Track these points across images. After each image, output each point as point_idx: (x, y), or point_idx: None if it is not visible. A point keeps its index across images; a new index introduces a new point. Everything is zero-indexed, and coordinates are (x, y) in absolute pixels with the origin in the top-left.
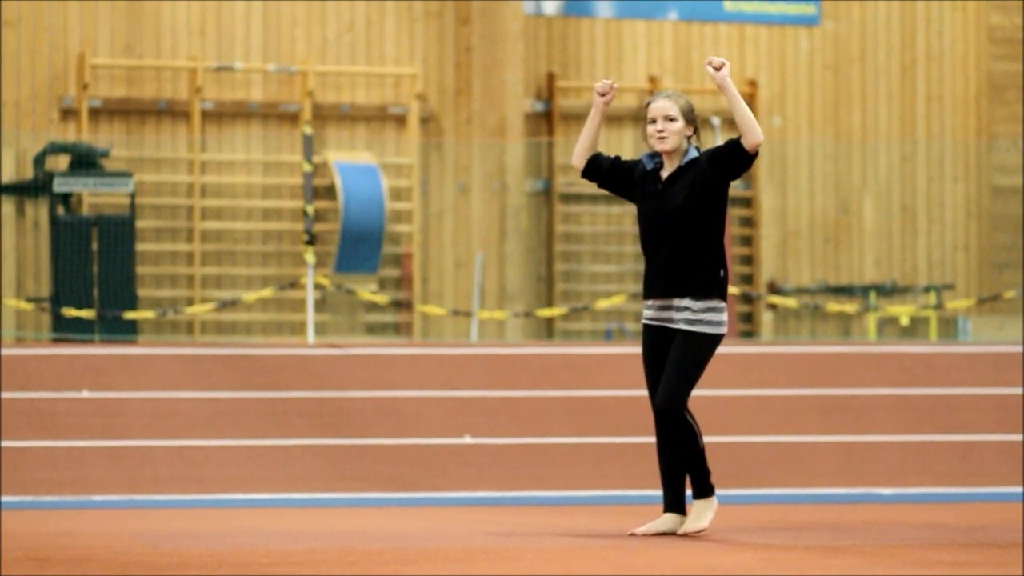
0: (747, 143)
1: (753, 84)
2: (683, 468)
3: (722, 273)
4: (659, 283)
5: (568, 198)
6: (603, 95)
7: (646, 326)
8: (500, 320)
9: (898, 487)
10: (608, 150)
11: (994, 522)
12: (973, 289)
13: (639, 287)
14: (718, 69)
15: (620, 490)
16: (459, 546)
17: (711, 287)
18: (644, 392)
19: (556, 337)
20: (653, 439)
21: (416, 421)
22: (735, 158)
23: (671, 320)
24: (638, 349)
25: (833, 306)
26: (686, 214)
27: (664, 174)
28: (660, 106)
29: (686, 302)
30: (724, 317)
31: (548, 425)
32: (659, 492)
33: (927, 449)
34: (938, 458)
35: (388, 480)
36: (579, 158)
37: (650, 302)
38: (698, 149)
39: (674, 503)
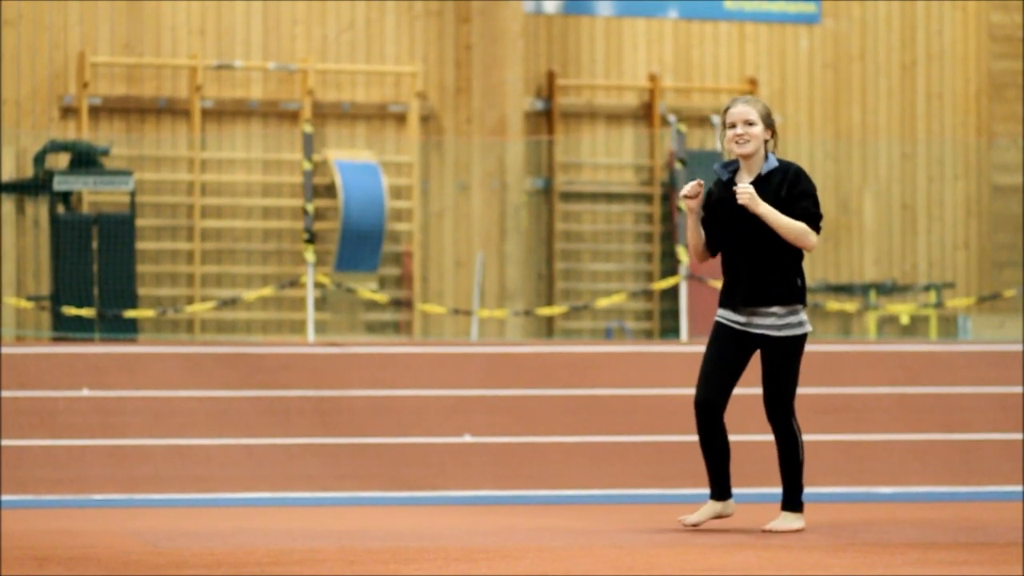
0: (804, 247)
1: (753, 82)
2: (786, 468)
3: (801, 278)
4: (744, 292)
5: (568, 196)
6: (691, 197)
7: (725, 326)
8: (500, 319)
9: (898, 486)
10: (609, 150)
11: (994, 521)
12: (973, 288)
13: (640, 286)
14: (742, 196)
15: (620, 490)
16: (459, 546)
17: (795, 294)
18: (644, 391)
19: (556, 336)
20: (653, 438)
21: (416, 420)
22: (797, 229)
23: (756, 326)
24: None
25: (833, 305)
26: (765, 225)
27: (742, 181)
28: (740, 111)
29: (773, 309)
30: (805, 317)
31: (548, 424)
32: (659, 492)
33: (927, 448)
34: (938, 457)
35: (388, 479)
36: (702, 256)
37: (736, 308)
38: (776, 157)
39: (721, 491)
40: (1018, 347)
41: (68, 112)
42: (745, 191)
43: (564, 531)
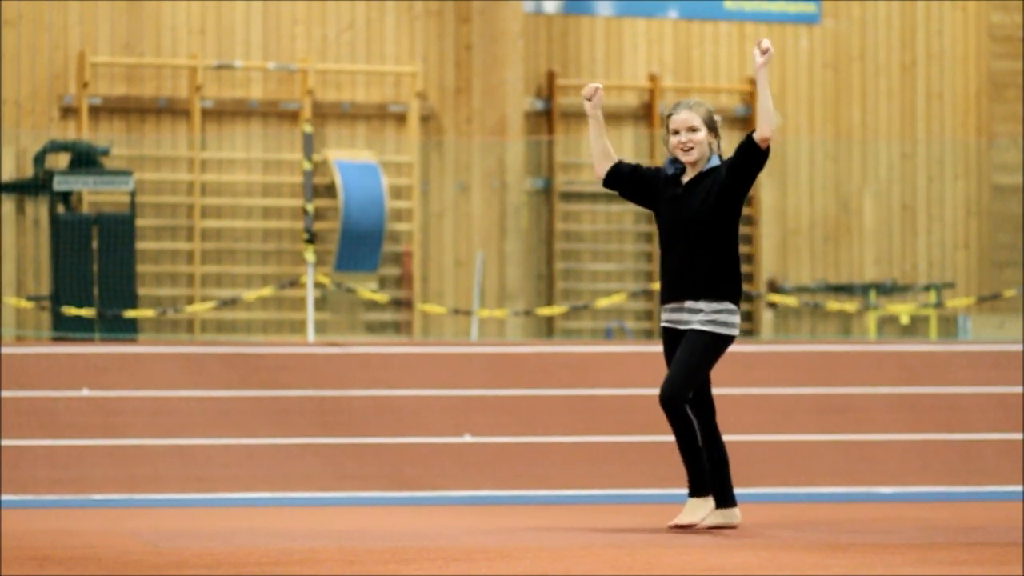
0: (758, 135)
1: (753, 82)
2: (686, 454)
3: (736, 277)
4: (674, 286)
5: (568, 196)
6: (589, 99)
7: (664, 329)
8: (500, 319)
9: (898, 486)
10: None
11: (994, 522)
12: (973, 288)
13: (639, 285)
14: (764, 52)
15: (620, 489)
16: (459, 546)
17: (724, 290)
18: (645, 391)
19: (556, 336)
20: (653, 438)
21: (416, 420)
22: (748, 158)
23: (685, 322)
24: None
25: (833, 304)
26: (702, 219)
27: (685, 179)
28: (682, 118)
29: (700, 304)
30: (736, 320)
31: (548, 424)
32: (658, 492)
33: (927, 448)
34: (938, 457)
35: (388, 479)
36: (599, 167)
37: (667, 305)
38: (720, 157)
39: (697, 487)
40: (1018, 347)
41: (68, 112)
42: (768, 46)
43: (564, 531)
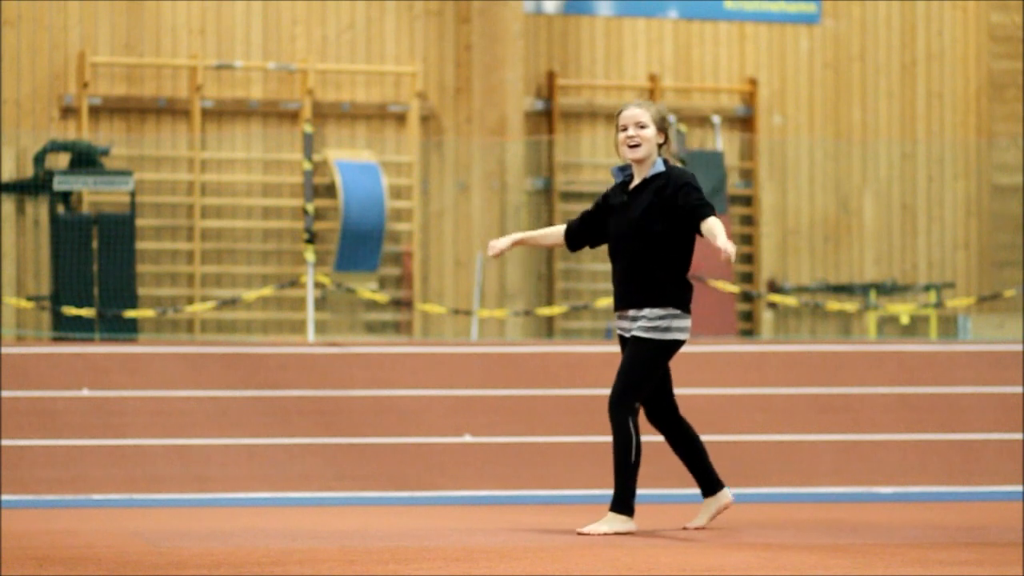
0: (703, 227)
1: (753, 83)
2: (618, 467)
3: (681, 283)
4: (620, 295)
5: (568, 196)
6: (495, 254)
7: (620, 337)
8: (500, 319)
9: (898, 486)
10: (609, 149)
11: (994, 522)
12: (973, 287)
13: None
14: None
15: None
16: (459, 545)
17: (669, 297)
18: None
19: (556, 336)
20: (653, 438)
21: (416, 420)
22: (684, 219)
23: (631, 329)
24: None
25: (833, 304)
26: (643, 229)
27: (632, 185)
28: (631, 114)
29: (644, 311)
30: (682, 324)
31: (548, 424)
32: (658, 491)
33: (927, 448)
34: (938, 457)
35: (388, 479)
36: (564, 244)
37: (616, 313)
38: (666, 161)
39: (707, 487)
40: (1018, 347)
41: (68, 112)
42: (726, 251)
43: (564, 531)
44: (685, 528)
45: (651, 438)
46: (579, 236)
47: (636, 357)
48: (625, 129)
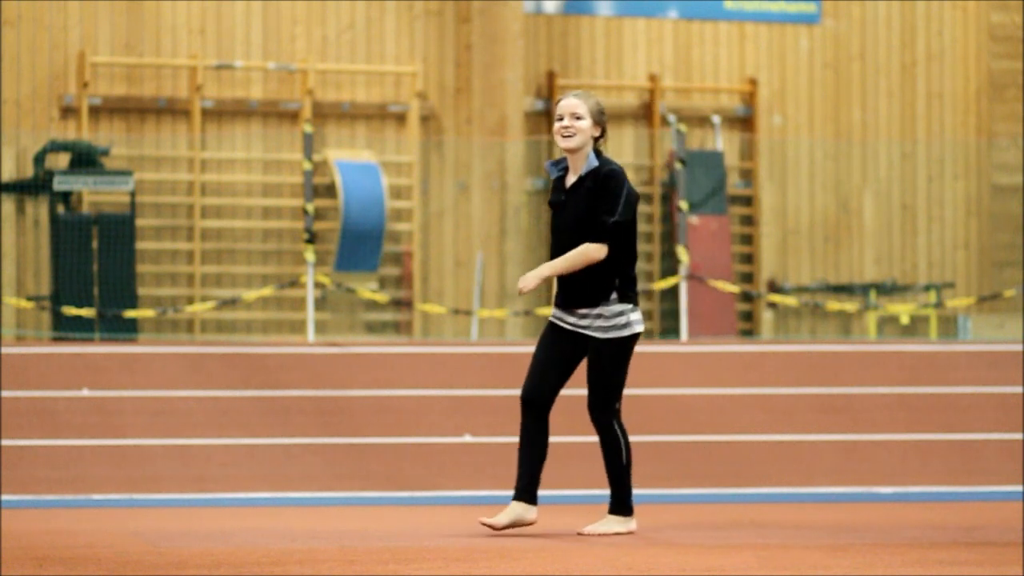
0: (593, 244)
1: (753, 82)
2: (611, 470)
3: (628, 277)
4: (567, 294)
5: None
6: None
7: (555, 325)
8: (500, 319)
9: (898, 486)
10: (609, 150)
11: (994, 522)
12: (973, 287)
13: (639, 286)
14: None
15: None
16: (459, 546)
17: (618, 294)
18: (645, 391)
19: None
20: (653, 438)
21: (416, 420)
22: (581, 263)
23: (583, 327)
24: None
25: (833, 304)
26: (582, 227)
27: (569, 182)
28: (568, 104)
29: (598, 310)
30: (636, 316)
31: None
32: (658, 492)
33: (927, 448)
34: (938, 457)
35: (388, 479)
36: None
37: (560, 308)
38: (599, 154)
39: (526, 491)
40: (1018, 347)
41: (68, 112)
42: (522, 283)
43: (564, 531)
44: (482, 523)
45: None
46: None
47: (604, 362)
48: (561, 119)
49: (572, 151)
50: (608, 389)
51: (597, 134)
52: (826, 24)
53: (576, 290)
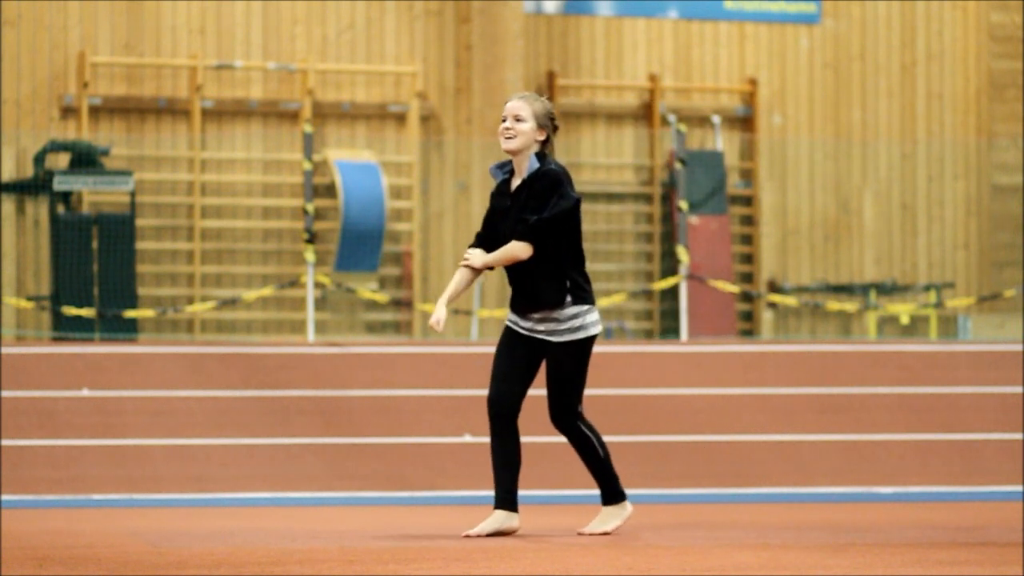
0: (520, 243)
1: (753, 82)
2: (592, 467)
3: (580, 279)
4: (521, 298)
5: None
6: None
7: (511, 330)
8: (500, 319)
9: (898, 486)
10: (608, 149)
11: (994, 522)
12: (973, 287)
13: (639, 285)
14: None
15: None
16: (459, 546)
17: (572, 296)
18: (645, 391)
19: None
20: (653, 438)
21: (416, 420)
22: (565, 222)
23: (539, 332)
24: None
25: (833, 304)
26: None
27: (513, 185)
28: (512, 105)
29: (553, 314)
30: (593, 317)
31: (547, 424)
32: (658, 492)
33: (927, 448)
34: (938, 457)
35: (388, 479)
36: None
37: (516, 313)
38: (542, 157)
39: (505, 500)
40: (1018, 347)
41: (68, 112)
42: (466, 260)
43: (564, 531)
44: (466, 536)
45: (651, 438)
46: (485, 241)
47: (565, 367)
48: (505, 120)
49: (512, 153)
50: (568, 395)
51: (541, 138)
52: (826, 24)
53: (527, 294)
